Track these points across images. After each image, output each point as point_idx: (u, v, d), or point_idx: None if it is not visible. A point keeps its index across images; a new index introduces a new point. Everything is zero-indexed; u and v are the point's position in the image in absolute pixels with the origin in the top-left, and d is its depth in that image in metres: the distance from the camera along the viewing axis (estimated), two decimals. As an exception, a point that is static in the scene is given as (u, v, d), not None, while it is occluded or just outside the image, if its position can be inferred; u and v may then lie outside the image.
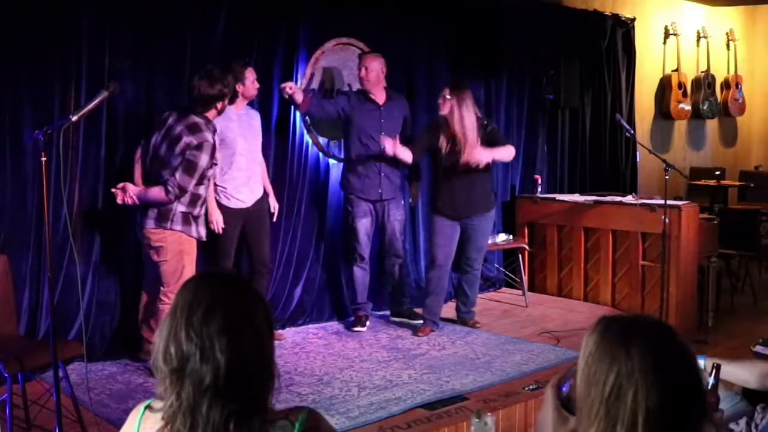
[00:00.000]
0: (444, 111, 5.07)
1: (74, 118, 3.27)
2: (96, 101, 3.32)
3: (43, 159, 3.09)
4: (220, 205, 4.83)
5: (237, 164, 4.86)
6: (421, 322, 5.41)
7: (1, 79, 4.25)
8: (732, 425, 2.50)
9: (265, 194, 5.09)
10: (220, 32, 5.05)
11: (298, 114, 5.43)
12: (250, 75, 4.89)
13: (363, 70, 5.30)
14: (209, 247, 4.78)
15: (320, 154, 5.67)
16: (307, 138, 5.57)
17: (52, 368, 3.13)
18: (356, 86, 5.56)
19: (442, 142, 5.12)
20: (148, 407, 1.53)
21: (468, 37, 6.32)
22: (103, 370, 4.43)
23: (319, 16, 5.54)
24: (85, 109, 3.32)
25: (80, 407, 3.57)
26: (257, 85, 4.96)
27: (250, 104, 5.09)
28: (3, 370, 3.33)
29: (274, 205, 5.14)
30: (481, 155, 5.10)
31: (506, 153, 5.30)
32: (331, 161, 5.71)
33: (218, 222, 4.77)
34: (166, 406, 1.45)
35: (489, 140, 5.20)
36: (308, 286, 5.59)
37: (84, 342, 3.55)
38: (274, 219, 5.14)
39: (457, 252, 5.44)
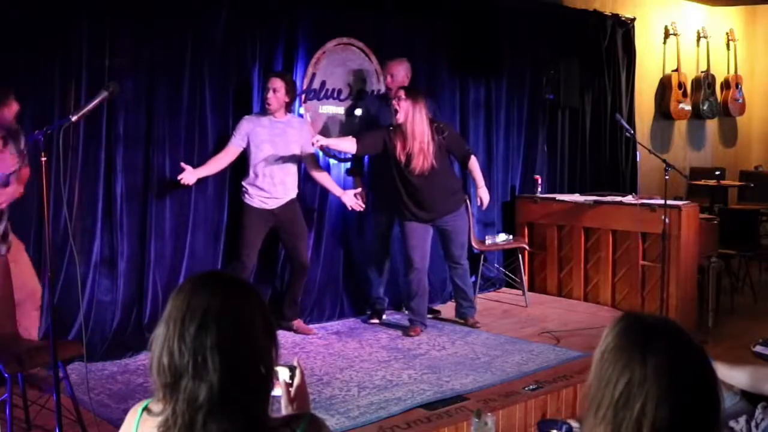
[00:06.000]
0: (399, 118, 4.97)
1: (74, 118, 3.26)
2: (96, 101, 3.31)
3: (43, 159, 3.09)
4: (244, 202, 5.00)
5: (259, 168, 4.94)
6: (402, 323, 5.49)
7: (2, 79, 4.24)
8: (732, 423, 2.50)
9: (295, 198, 5.12)
10: (220, 33, 5.05)
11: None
12: (271, 83, 4.91)
13: (389, 78, 5.40)
14: (234, 238, 5.00)
15: (321, 153, 5.67)
16: (307, 138, 5.57)
17: (52, 368, 3.13)
18: (356, 86, 5.58)
19: (399, 154, 5.01)
20: (146, 409, 1.51)
21: (468, 37, 6.32)
22: (103, 370, 4.44)
23: (319, 16, 5.54)
24: (85, 109, 3.31)
25: (80, 407, 3.57)
26: (286, 98, 4.95)
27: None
28: (3, 370, 3.34)
29: (357, 205, 5.19)
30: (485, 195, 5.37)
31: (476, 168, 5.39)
32: (332, 161, 5.70)
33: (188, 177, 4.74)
34: (162, 421, 1.42)
35: (448, 146, 5.19)
36: (308, 286, 5.58)
37: (84, 342, 3.55)
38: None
39: (442, 253, 5.49)
